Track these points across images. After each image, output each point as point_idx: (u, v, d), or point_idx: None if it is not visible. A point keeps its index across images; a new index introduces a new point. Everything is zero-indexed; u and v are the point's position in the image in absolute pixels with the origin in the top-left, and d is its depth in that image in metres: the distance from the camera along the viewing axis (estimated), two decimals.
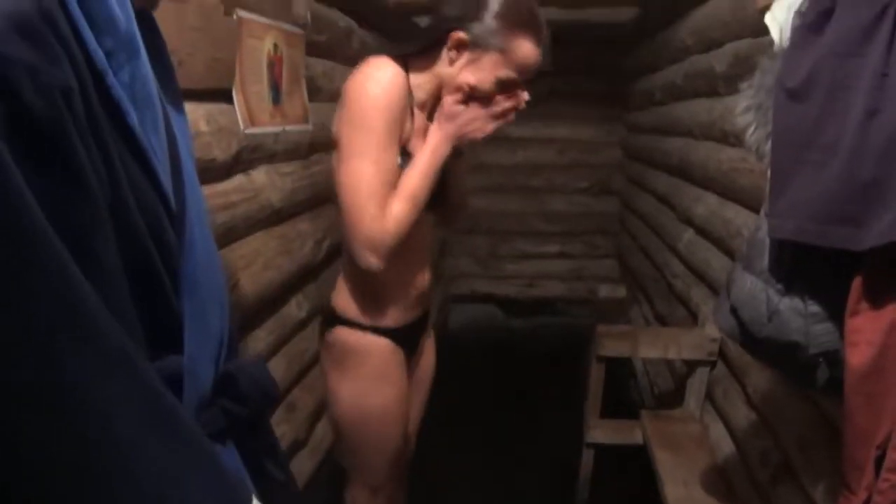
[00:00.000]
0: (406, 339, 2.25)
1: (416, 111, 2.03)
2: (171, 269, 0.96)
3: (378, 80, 1.86)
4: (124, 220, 0.86)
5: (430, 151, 1.98)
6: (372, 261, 1.91)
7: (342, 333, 2.18)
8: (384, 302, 2.16)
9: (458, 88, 1.98)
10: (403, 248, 1.96)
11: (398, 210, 1.91)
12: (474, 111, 1.99)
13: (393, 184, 1.91)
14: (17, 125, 0.71)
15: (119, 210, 0.85)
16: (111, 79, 0.87)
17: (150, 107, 0.96)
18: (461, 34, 1.92)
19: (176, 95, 1.13)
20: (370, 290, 2.14)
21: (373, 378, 2.19)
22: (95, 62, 0.84)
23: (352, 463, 2.35)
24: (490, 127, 2.02)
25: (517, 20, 1.93)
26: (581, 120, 6.89)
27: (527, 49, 1.96)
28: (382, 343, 2.18)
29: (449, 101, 1.99)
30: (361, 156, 1.85)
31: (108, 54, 0.87)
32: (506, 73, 1.96)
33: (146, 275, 0.92)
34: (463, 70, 1.97)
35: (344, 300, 2.18)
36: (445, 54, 1.98)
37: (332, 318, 2.20)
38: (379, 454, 2.28)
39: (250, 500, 1.03)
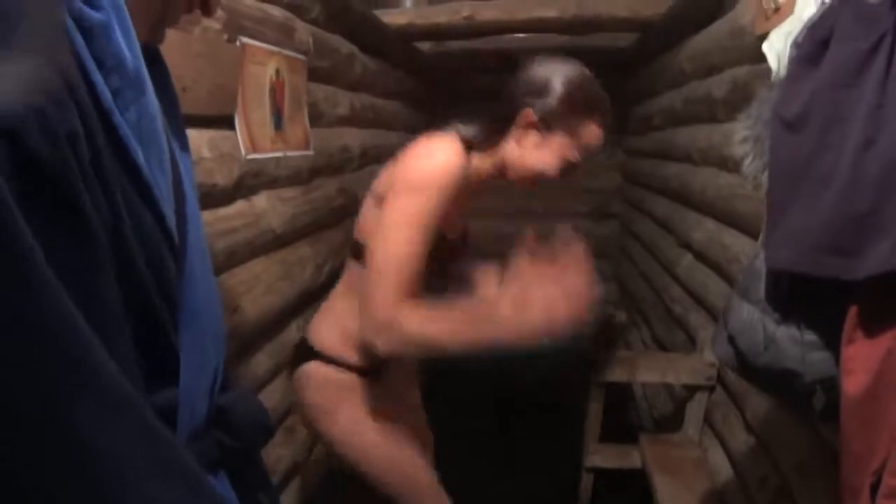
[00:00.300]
0: (380, 372, 2.20)
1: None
2: (170, 302, 0.97)
3: (442, 160, 1.81)
4: (126, 262, 0.87)
5: (497, 325, 1.75)
6: (374, 342, 1.78)
7: (322, 370, 2.12)
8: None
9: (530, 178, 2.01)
10: None
11: (429, 331, 1.77)
12: (548, 296, 1.73)
13: (423, 268, 1.80)
14: (22, 169, 0.70)
15: (121, 252, 0.85)
16: (118, 118, 0.87)
17: (155, 144, 0.96)
18: (531, 113, 1.91)
19: (180, 128, 1.14)
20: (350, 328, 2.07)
21: (363, 417, 2.14)
22: (102, 102, 0.84)
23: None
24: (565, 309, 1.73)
25: (586, 103, 1.94)
26: None
27: (594, 132, 1.98)
28: (363, 381, 2.14)
29: (519, 290, 1.77)
30: (403, 232, 1.76)
31: (114, 93, 0.87)
32: (573, 154, 1.96)
33: (145, 312, 0.92)
34: (529, 152, 1.96)
35: (326, 336, 2.13)
36: (512, 134, 1.96)
37: (311, 353, 2.14)
38: (417, 490, 2.23)
39: None
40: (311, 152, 3.26)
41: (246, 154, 2.49)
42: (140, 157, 0.91)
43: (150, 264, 0.92)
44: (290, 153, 2.99)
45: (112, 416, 0.76)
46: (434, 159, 1.82)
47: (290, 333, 3.02)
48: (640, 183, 5.92)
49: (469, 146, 1.94)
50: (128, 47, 0.90)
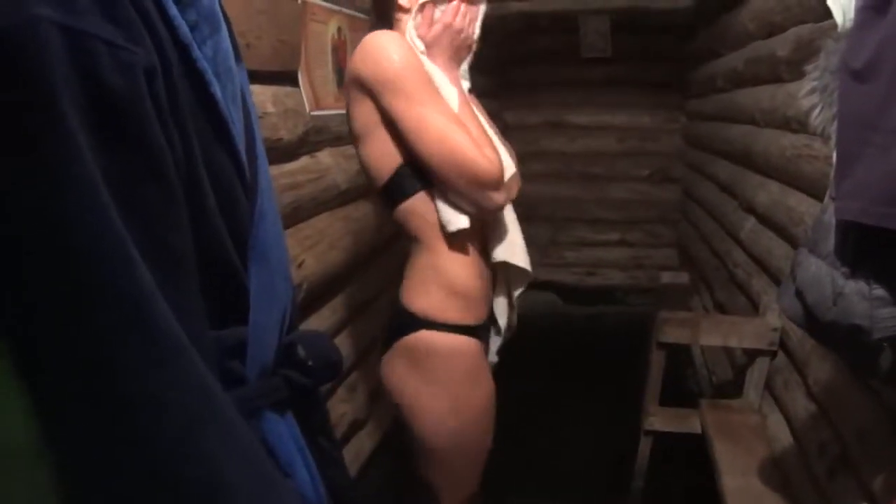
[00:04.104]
0: (484, 336, 2.17)
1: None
2: (240, 240, 0.97)
3: (390, 45, 1.87)
4: (197, 198, 0.87)
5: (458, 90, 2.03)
6: (497, 197, 1.93)
7: (427, 337, 2.04)
8: (466, 296, 2.07)
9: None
10: (478, 232, 2.01)
11: (485, 142, 1.94)
12: (444, 23, 2.00)
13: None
14: (94, 103, 0.70)
15: (192, 188, 0.86)
16: (196, 52, 0.87)
17: (230, 79, 0.96)
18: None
19: (243, 70, 1.15)
20: (450, 284, 2.05)
21: (467, 382, 2.07)
22: (180, 36, 0.84)
23: (444, 478, 2.19)
24: (471, 27, 2.08)
25: None
26: (640, 107, 6.88)
27: None
28: (471, 343, 2.08)
29: (423, 33, 2.01)
30: (426, 110, 1.86)
31: (191, 27, 0.87)
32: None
33: (216, 249, 0.93)
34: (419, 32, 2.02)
35: (423, 299, 2.06)
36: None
37: (411, 321, 2.05)
38: (475, 463, 2.19)
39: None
40: None
41: (310, 110, 2.51)
42: (217, 91, 0.91)
43: (223, 201, 0.92)
44: None
45: (159, 365, 0.76)
46: (381, 47, 1.88)
47: (353, 290, 3.06)
48: (701, 146, 5.86)
49: None
50: None
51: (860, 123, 1.42)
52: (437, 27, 1.99)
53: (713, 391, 4.27)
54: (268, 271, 1.03)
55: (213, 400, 0.83)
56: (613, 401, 4.74)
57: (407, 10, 2.00)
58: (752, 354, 3.38)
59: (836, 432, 2.40)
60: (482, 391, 2.13)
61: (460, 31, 2.02)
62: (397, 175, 1.98)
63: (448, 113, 1.88)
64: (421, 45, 2.01)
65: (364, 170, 2.09)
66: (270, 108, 2.20)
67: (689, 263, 6.13)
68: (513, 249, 2.22)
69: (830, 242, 1.56)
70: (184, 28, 0.85)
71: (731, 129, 4.63)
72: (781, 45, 3.38)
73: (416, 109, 1.85)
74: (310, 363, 1.11)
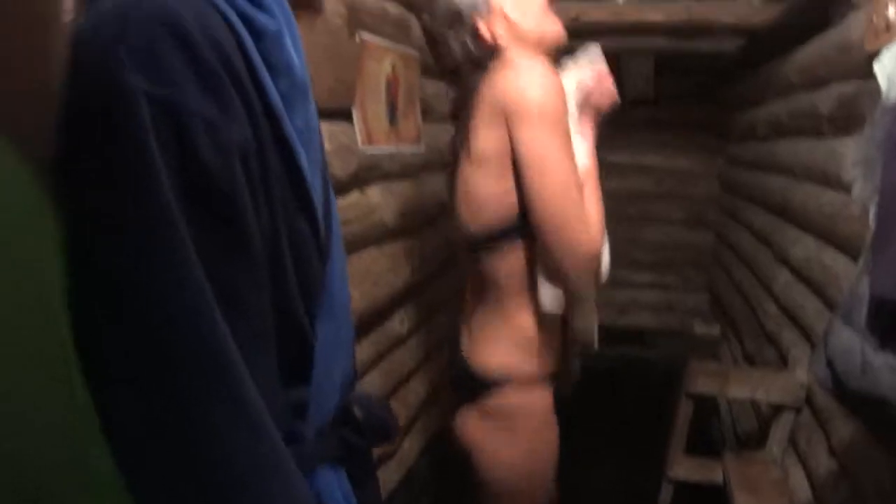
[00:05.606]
0: (555, 380, 2.14)
1: None
2: (309, 300, 0.99)
3: (544, 77, 1.76)
4: (277, 270, 0.90)
5: (593, 149, 2.06)
6: (588, 277, 1.89)
7: (510, 397, 2.01)
8: (544, 349, 2.05)
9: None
10: None
11: (597, 216, 1.92)
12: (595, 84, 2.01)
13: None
14: (191, 179, 0.73)
15: (274, 260, 0.88)
16: (288, 126, 0.89)
17: (313, 144, 0.99)
18: (483, 26, 1.92)
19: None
20: (530, 340, 2.02)
21: (544, 429, 2.08)
22: (273, 108, 0.86)
23: None
24: (608, 85, 2.06)
25: None
26: (679, 150, 6.83)
27: None
28: (549, 394, 2.08)
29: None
30: (557, 164, 1.76)
31: (283, 97, 0.89)
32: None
33: (287, 314, 0.95)
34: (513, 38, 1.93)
35: (501, 357, 2.02)
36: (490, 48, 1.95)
37: (492, 381, 2.01)
38: (539, 500, 2.19)
39: None
40: (422, 148, 3.32)
41: (362, 145, 2.56)
42: (304, 162, 0.93)
43: (298, 267, 0.95)
44: (402, 147, 3.05)
45: (242, 437, 0.79)
46: (539, 79, 1.76)
47: (393, 324, 3.09)
48: (738, 193, 5.81)
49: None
50: (295, 51, 0.93)
51: None
52: (588, 84, 2.00)
53: (737, 442, 4.26)
54: (334, 325, 1.06)
55: (283, 474, 0.86)
56: (637, 445, 4.73)
57: (497, 48, 1.92)
58: (777, 408, 3.38)
59: (856, 491, 2.40)
60: (554, 433, 2.13)
61: (607, 94, 2.05)
62: (507, 225, 1.89)
63: (573, 167, 1.79)
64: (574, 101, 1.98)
65: (468, 198, 1.93)
66: (326, 145, 2.21)
67: (719, 309, 6.10)
68: (588, 325, 2.24)
69: (863, 313, 1.58)
70: (276, 98, 0.87)
71: (769, 178, 4.61)
72: (824, 101, 3.36)
73: (546, 148, 1.75)
74: (365, 425, 1.14)
